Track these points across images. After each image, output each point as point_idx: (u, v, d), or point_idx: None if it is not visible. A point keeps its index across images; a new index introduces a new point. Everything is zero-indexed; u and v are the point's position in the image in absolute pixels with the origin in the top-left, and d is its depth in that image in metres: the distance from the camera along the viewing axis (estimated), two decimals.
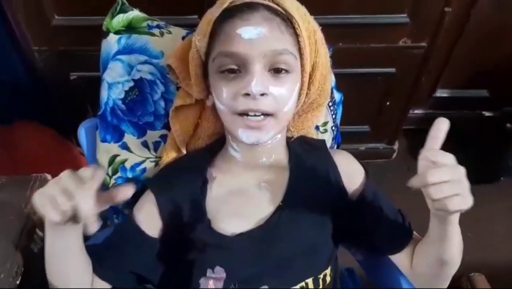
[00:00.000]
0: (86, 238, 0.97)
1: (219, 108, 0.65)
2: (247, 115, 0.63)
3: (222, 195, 0.71)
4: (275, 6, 0.63)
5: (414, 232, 0.75)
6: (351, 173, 0.75)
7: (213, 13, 0.64)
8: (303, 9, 0.67)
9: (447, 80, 1.70)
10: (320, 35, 0.69)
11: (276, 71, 0.62)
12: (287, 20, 0.63)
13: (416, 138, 1.94)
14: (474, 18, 1.46)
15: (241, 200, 0.71)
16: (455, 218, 0.61)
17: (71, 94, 1.41)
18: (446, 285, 0.69)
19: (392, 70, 1.42)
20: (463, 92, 1.75)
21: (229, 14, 0.62)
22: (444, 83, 1.71)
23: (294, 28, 0.64)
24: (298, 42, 0.65)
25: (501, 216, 1.66)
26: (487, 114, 1.83)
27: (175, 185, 0.71)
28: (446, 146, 2.00)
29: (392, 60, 1.40)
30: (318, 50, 0.68)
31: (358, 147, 1.70)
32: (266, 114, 0.63)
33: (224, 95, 0.63)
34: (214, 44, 0.63)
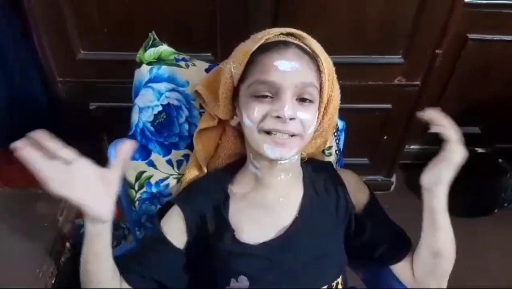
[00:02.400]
0: None
1: (247, 125, 0.72)
2: (271, 134, 0.70)
3: (243, 208, 0.78)
4: (305, 46, 0.74)
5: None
6: (357, 189, 0.83)
7: (249, 46, 0.73)
8: (324, 52, 0.77)
9: None
10: (335, 75, 0.79)
11: (302, 100, 0.71)
12: (314, 58, 0.74)
13: (413, 172, 2.01)
14: (464, 58, 1.57)
15: (261, 212, 0.78)
16: (443, 206, 0.72)
17: (89, 122, 1.49)
18: (445, 285, 0.76)
19: (389, 106, 1.51)
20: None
21: (266, 48, 0.71)
22: None
23: (318, 66, 0.74)
24: (320, 78, 0.74)
25: (496, 247, 1.71)
26: (479, 150, 1.90)
27: (200, 201, 0.78)
28: None
29: (388, 96, 1.49)
30: (334, 86, 0.78)
31: None
32: (292, 135, 0.71)
33: (256, 114, 0.70)
34: (250, 72, 0.72)
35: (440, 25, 1.32)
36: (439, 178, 0.71)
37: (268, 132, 0.71)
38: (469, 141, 1.92)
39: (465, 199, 1.88)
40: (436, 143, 1.96)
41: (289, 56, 0.70)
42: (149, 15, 1.24)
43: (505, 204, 1.73)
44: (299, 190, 0.80)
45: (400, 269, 0.81)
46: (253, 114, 0.71)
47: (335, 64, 1.34)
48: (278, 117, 0.69)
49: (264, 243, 0.75)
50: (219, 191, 0.79)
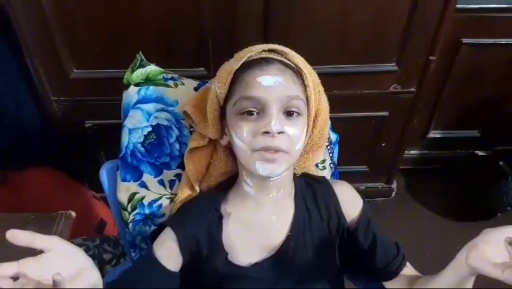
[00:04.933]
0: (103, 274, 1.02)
1: (238, 146, 0.72)
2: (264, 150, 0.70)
3: (237, 229, 0.78)
4: (287, 61, 0.74)
5: (410, 265, 0.81)
6: (350, 202, 0.82)
7: (232, 65, 0.73)
8: (308, 65, 0.77)
9: (439, 121, 1.79)
10: (321, 88, 0.79)
11: (289, 114, 0.71)
12: (297, 73, 0.74)
13: (413, 178, 2.02)
14: (459, 63, 1.57)
15: (254, 232, 0.78)
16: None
17: (85, 140, 1.49)
18: None
19: (385, 113, 1.51)
20: (456, 133, 1.84)
21: (248, 66, 0.72)
22: (436, 125, 1.80)
23: (302, 80, 0.74)
24: (306, 92, 0.74)
25: None
26: (480, 153, 1.90)
27: (193, 223, 0.77)
28: (442, 185, 2.08)
29: (384, 104, 1.49)
30: (321, 99, 0.78)
31: (358, 187, 1.73)
32: (279, 150, 0.70)
33: (245, 134, 0.70)
34: (235, 90, 0.72)
35: (432, 31, 1.31)
36: (494, 272, 0.61)
37: (259, 150, 0.70)
38: (469, 144, 1.93)
39: (466, 203, 1.87)
40: (435, 147, 1.96)
41: (272, 71, 0.70)
42: (140, 31, 1.24)
43: (508, 208, 1.71)
44: (291, 207, 0.80)
45: (392, 285, 0.80)
46: (242, 134, 0.71)
47: (329, 74, 1.36)
48: (266, 132, 0.69)
49: (256, 263, 0.75)
50: (213, 211, 0.79)
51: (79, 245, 1.18)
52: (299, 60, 0.75)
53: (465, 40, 1.53)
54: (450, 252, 1.78)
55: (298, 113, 0.72)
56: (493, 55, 1.58)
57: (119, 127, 0.90)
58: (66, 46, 1.25)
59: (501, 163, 1.86)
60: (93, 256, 1.16)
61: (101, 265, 1.16)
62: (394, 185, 1.84)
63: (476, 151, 1.91)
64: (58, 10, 1.17)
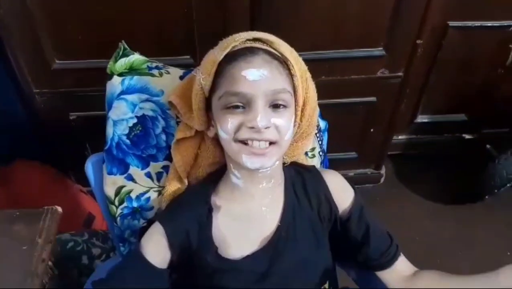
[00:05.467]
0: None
1: (223, 137, 0.71)
2: (248, 143, 0.69)
3: (227, 222, 0.77)
4: (273, 51, 0.71)
5: (404, 257, 0.81)
6: (341, 191, 0.82)
7: (216, 55, 0.71)
8: (295, 53, 0.75)
9: (427, 106, 1.79)
10: (309, 74, 0.77)
11: (276, 106, 0.69)
12: (284, 62, 0.72)
13: (402, 163, 2.03)
14: (446, 47, 1.57)
15: (244, 224, 0.77)
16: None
17: (71, 133, 1.46)
18: None
19: (373, 99, 1.51)
20: (443, 117, 1.84)
21: (233, 57, 0.69)
22: (424, 109, 1.80)
23: (289, 70, 0.72)
24: (293, 81, 0.73)
25: (488, 234, 1.72)
26: (467, 136, 1.91)
27: (183, 217, 0.76)
28: (430, 170, 2.09)
29: (372, 90, 1.49)
30: (308, 87, 0.76)
31: (347, 173, 1.76)
32: (270, 142, 0.69)
33: (229, 125, 0.68)
34: (219, 83, 0.70)
35: (419, 15, 1.31)
36: None
37: (245, 142, 0.69)
38: (456, 128, 1.94)
39: (455, 187, 1.89)
40: (423, 132, 1.97)
41: (257, 63, 0.68)
42: (125, 19, 1.22)
43: (495, 191, 1.72)
44: (281, 197, 0.79)
45: (386, 275, 0.80)
46: (227, 126, 0.69)
47: (316, 60, 1.35)
48: (252, 127, 0.68)
49: (248, 256, 0.74)
50: (202, 204, 0.77)
51: (68, 240, 1.16)
52: (285, 49, 0.73)
53: (452, 23, 1.52)
54: (439, 236, 1.81)
55: (285, 106, 0.70)
56: (480, 38, 1.57)
57: (104, 119, 0.88)
58: (48, 35, 1.22)
59: (488, 146, 1.87)
60: (82, 252, 1.14)
61: (91, 260, 1.14)
62: (383, 171, 1.85)
63: (464, 135, 1.91)
64: None
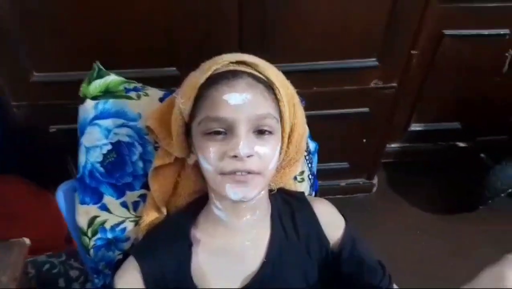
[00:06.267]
0: None
1: (205, 168, 0.66)
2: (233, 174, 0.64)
3: (208, 258, 0.72)
4: (258, 74, 0.67)
5: (395, 285, 0.76)
6: (332, 223, 0.77)
7: (197, 78, 0.66)
8: (281, 75, 0.70)
9: (421, 114, 1.75)
10: (297, 99, 0.72)
11: (260, 132, 0.65)
12: (269, 87, 0.67)
13: (394, 171, 1.99)
14: (441, 55, 1.53)
15: (226, 261, 0.72)
16: None
17: (51, 146, 1.41)
18: None
19: (366, 109, 1.47)
20: (437, 125, 1.81)
21: (215, 80, 0.65)
22: (417, 118, 1.76)
23: (275, 94, 0.67)
24: (279, 106, 0.68)
25: (481, 243, 1.69)
26: (461, 144, 1.88)
27: (160, 252, 0.71)
28: (424, 178, 2.05)
29: (365, 100, 1.45)
30: (296, 112, 0.71)
31: (338, 183, 1.73)
32: (252, 173, 0.64)
33: (211, 155, 0.64)
34: (200, 108, 0.65)
35: (414, 25, 1.28)
36: None
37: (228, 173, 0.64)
38: (450, 136, 1.91)
39: (448, 196, 1.85)
40: (417, 140, 1.93)
41: (240, 87, 0.64)
42: (107, 30, 1.16)
43: (489, 201, 1.70)
44: (267, 230, 0.74)
45: None
46: (209, 156, 0.64)
47: (308, 71, 1.30)
48: (234, 156, 0.62)
49: None
50: (181, 238, 0.72)
51: (44, 262, 1.11)
52: (271, 73, 0.68)
53: (447, 32, 1.47)
54: (431, 246, 1.77)
55: (270, 132, 0.65)
56: (476, 46, 1.53)
57: None
58: (25, 47, 1.17)
59: (482, 155, 1.85)
60: (59, 274, 1.09)
61: (68, 283, 1.09)
62: (375, 180, 1.82)
63: (457, 143, 1.88)
64: (16, 8, 1.09)
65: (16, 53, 1.17)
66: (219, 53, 0.71)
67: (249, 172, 0.64)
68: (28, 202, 1.42)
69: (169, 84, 0.86)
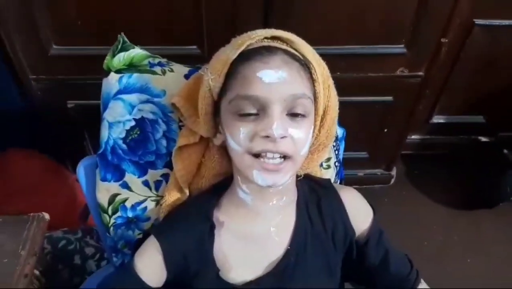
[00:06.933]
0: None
1: (233, 148, 0.63)
2: (264, 157, 0.61)
3: (230, 242, 0.69)
4: (293, 51, 0.63)
5: (423, 281, 0.74)
6: (359, 212, 0.74)
7: (228, 54, 0.62)
8: (317, 55, 0.67)
9: (444, 106, 1.71)
10: (331, 81, 0.69)
11: (294, 115, 0.61)
12: (305, 65, 0.63)
13: (413, 164, 1.95)
14: (469, 47, 1.49)
15: (249, 246, 0.69)
16: None
17: (68, 121, 1.39)
18: None
19: (390, 98, 1.43)
20: (460, 118, 1.77)
21: (247, 56, 0.61)
22: (440, 110, 1.73)
23: (311, 74, 0.64)
24: (314, 87, 0.64)
25: (500, 241, 1.66)
26: (483, 139, 1.84)
27: (182, 232, 0.69)
28: (443, 172, 2.00)
29: (389, 89, 1.41)
30: (331, 94, 0.68)
31: (356, 173, 1.70)
32: (284, 157, 0.62)
33: (241, 135, 0.61)
34: (230, 85, 0.62)
35: (446, 12, 1.23)
36: None
37: (257, 155, 0.61)
38: (472, 130, 1.86)
39: (468, 191, 1.82)
40: (438, 133, 1.89)
41: (275, 64, 0.60)
42: (128, 5, 1.13)
43: (511, 197, 1.65)
44: (292, 217, 0.71)
45: None
46: (238, 136, 0.61)
47: (333, 55, 1.25)
48: (267, 136, 0.59)
49: (251, 282, 0.67)
50: (204, 220, 0.70)
51: (59, 238, 1.10)
52: (307, 50, 0.64)
53: (478, 21, 1.42)
54: (448, 241, 1.74)
55: (304, 115, 0.62)
56: (505, 38, 1.48)
57: None
58: (45, 18, 1.14)
59: (505, 151, 1.80)
60: (74, 251, 1.08)
61: (84, 260, 1.08)
62: (393, 172, 1.78)
63: (480, 137, 1.84)
64: None
65: (36, 25, 1.15)
66: (243, 32, 0.67)
67: (281, 156, 0.61)
68: (45, 177, 1.42)
69: (191, 63, 0.83)
